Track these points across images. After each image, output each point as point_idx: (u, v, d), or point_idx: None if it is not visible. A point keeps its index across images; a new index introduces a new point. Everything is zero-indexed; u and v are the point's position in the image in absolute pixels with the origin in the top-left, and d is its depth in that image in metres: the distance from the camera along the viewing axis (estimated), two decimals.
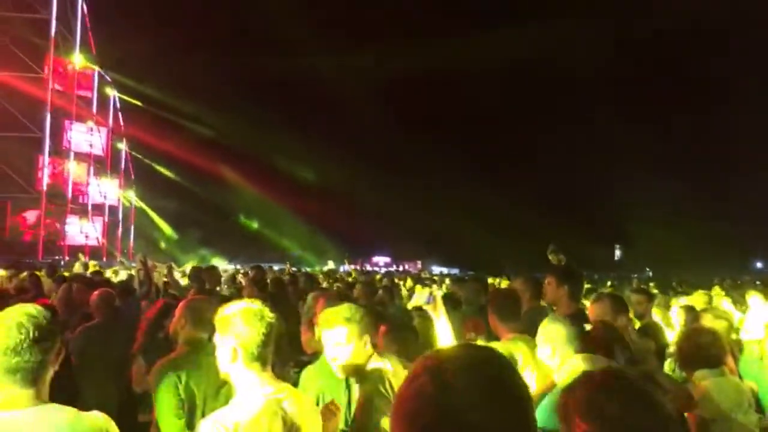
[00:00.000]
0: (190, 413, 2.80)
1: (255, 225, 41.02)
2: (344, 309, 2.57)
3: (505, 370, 0.99)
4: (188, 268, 10.13)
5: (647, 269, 33.33)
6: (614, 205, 43.60)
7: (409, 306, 3.94)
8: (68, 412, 1.91)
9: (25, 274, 7.89)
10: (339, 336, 2.51)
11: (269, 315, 2.14)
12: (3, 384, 1.85)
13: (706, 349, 3.22)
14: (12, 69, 23.61)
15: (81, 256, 12.38)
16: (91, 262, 13.43)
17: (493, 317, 3.62)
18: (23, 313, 1.89)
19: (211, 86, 36.69)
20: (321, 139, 42.47)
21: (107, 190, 30.31)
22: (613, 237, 42.48)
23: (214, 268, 7.82)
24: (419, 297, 3.43)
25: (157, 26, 36.23)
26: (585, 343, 2.79)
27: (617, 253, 43.14)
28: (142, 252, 7.91)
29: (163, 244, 32.89)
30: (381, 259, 43.38)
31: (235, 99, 39.02)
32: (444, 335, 3.44)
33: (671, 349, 4.25)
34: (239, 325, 2.09)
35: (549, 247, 6.40)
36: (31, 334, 1.84)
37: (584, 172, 46.61)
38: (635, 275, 24.56)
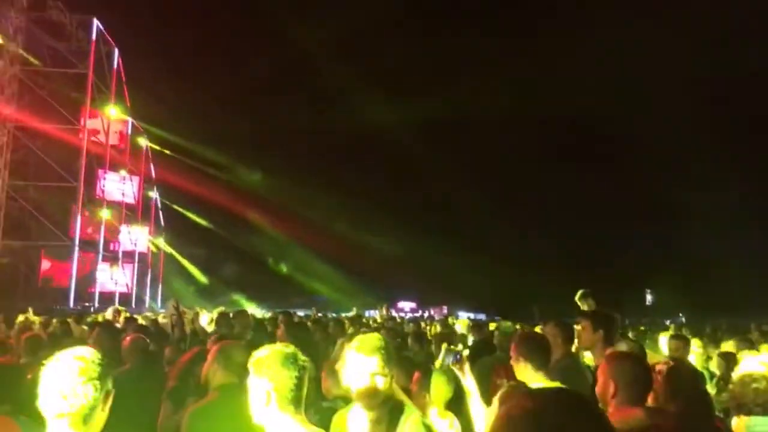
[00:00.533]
0: None
1: (284, 269, 41.23)
2: (378, 338, 2.50)
3: (596, 409, 1.09)
4: (215, 313, 10.18)
5: (680, 314, 32.41)
6: (644, 248, 42.89)
7: (436, 365, 3.87)
8: None
9: (55, 321, 8.04)
10: (372, 364, 2.38)
11: (302, 358, 2.16)
12: (54, 427, 1.87)
13: (761, 395, 3.10)
14: (50, 121, 24.56)
15: (119, 306, 12.59)
16: (121, 308, 13.58)
17: (521, 363, 3.40)
18: (73, 356, 1.92)
19: (240, 135, 37.62)
20: (347, 187, 43.01)
21: (138, 237, 30.90)
22: (644, 281, 41.53)
23: (243, 313, 7.82)
24: (445, 356, 3.32)
25: (186, 78, 37.51)
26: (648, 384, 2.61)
27: (648, 297, 42.08)
28: (175, 298, 7.98)
29: (192, 290, 33.19)
30: (407, 305, 42.99)
31: (262, 147, 39.91)
32: (472, 394, 3.37)
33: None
34: (273, 369, 2.11)
35: (579, 293, 6.33)
36: (80, 377, 1.86)
37: (613, 215, 46.12)
38: (668, 321, 23.89)
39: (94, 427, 1.90)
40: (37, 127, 24.42)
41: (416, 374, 3.37)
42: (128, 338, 5.01)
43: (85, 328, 8.14)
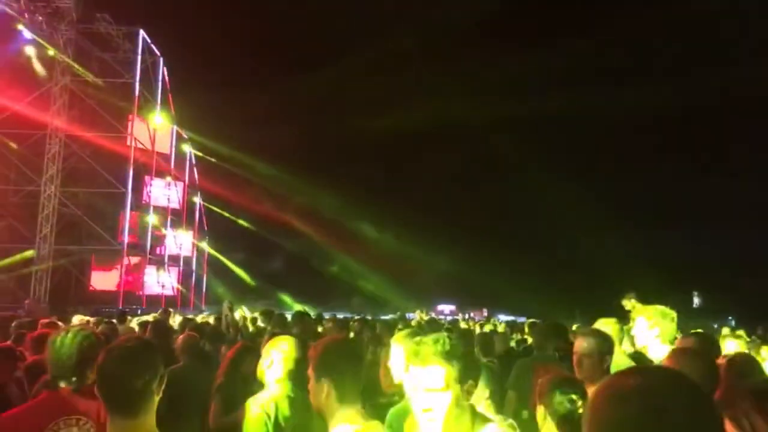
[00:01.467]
0: None
1: (328, 270, 41.62)
2: (440, 340, 1.92)
3: (700, 387, 1.04)
4: (257, 313, 10.35)
5: (729, 317, 31.33)
6: (691, 248, 41.63)
7: None
8: None
9: (105, 321, 8.34)
10: (433, 377, 1.88)
11: (359, 351, 2.21)
12: (110, 415, 1.93)
13: None
14: (98, 130, 25.37)
15: (171, 311, 12.81)
16: (171, 310, 13.93)
17: (604, 360, 3.09)
18: (126, 345, 2.00)
19: (284, 140, 38.09)
20: (388, 193, 43.14)
21: (182, 241, 31.65)
22: (691, 282, 40.26)
23: (304, 317, 7.25)
24: None
25: (229, 86, 38.28)
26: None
27: (695, 300, 40.78)
28: (229, 299, 8.06)
29: (234, 292, 33.87)
30: (446, 307, 42.74)
31: (304, 155, 40.40)
32: None
33: None
34: (332, 361, 2.17)
35: (626, 295, 6.23)
36: (133, 365, 1.92)
37: (658, 214, 44.97)
38: (716, 324, 23.14)
39: (150, 410, 1.97)
40: (86, 136, 25.30)
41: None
42: (180, 337, 5.17)
43: (133, 326, 8.44)
